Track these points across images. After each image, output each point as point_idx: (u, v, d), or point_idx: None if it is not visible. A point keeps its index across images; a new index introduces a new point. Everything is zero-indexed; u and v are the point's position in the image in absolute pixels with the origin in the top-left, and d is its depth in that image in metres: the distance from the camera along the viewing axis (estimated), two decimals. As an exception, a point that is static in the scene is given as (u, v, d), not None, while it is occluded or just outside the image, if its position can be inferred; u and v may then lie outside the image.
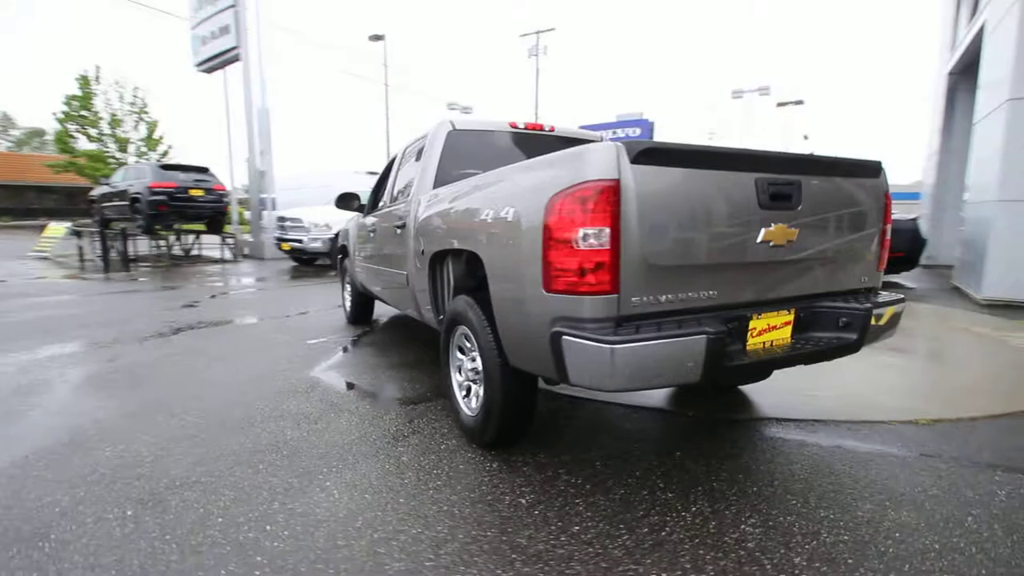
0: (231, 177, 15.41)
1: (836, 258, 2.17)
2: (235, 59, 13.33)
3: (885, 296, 2.30)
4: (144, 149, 23.40)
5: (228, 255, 12.58)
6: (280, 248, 11.28)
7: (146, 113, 23.54)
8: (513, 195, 1.89)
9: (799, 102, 25.57)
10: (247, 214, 15.93)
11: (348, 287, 5.49)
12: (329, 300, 6.87)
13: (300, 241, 10.69)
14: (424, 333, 5.01)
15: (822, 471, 2.17)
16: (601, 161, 1.60)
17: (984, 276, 5.68)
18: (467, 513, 1.89)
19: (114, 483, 2.11)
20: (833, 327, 2.08)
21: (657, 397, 3.10)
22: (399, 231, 3.35)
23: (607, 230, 1.59)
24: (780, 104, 25.82)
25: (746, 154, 1.88)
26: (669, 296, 1.75)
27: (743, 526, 1.78)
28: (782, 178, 1.93)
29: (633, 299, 1.68)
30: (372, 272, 4.22)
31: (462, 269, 2.62)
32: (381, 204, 4.23)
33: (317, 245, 10.62)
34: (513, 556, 1.64)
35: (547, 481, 2.11)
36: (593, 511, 1.89)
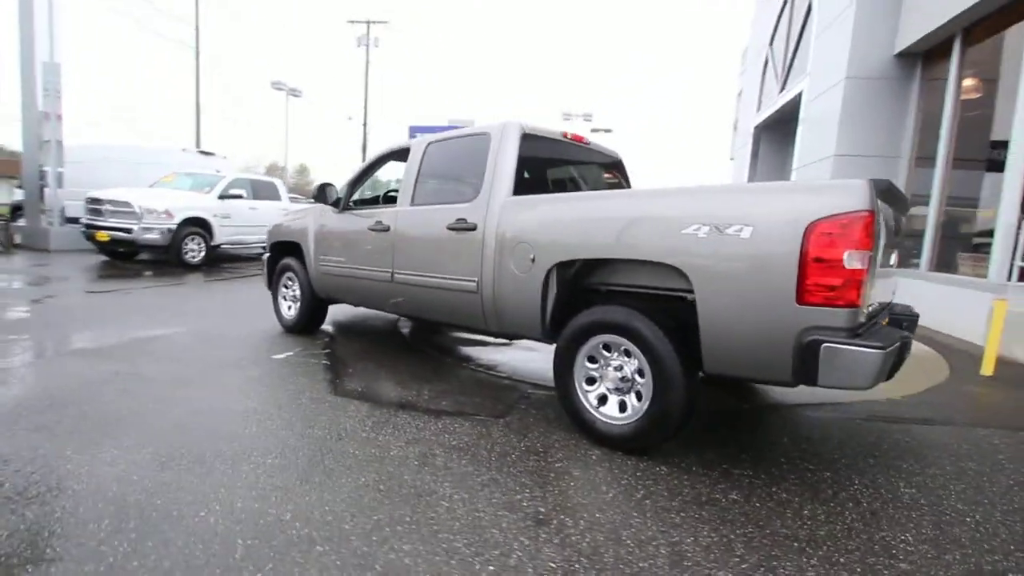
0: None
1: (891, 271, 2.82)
2: (2, -15, 10.02)
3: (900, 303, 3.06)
4: None
5: (-7, 245, 9.36)
6: (93, 239, 8.86)
7: None
8: (747, 215, 2.03)
9: (608, 130, 29.47)
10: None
11: (289, 292, 4.74)
12: (211, 304, 5.77)
13: (128, 231, 8.59)
14: (395, 340, 4.62)
15: (893, 440, 2.78)
16: (863, 194, 1.87)
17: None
18: (707, 515, 1.96)
19: (286, 554, 1.63)
20: (899, 328, 2.70)
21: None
22: (458, 234, 3.13)
23: (868, 253, 1.87)
24: (594, 130, 29.35)
25: (894, 190, 2.35)
26: (868, 307, 2.11)
27: (901, 488, 2.24)
28: (894, 210, 2.46)
29: (863, 309, 1.99)
30: (373, 277, 3.76)
31: (598, 280, 2.65)
32: (394, 201, 3.81)
33: (153, 237, 8.68)
34: (795, 544, 1.79)
35: (725, 477, 2.28)
36: (798, 496, 2.13)
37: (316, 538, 1.71)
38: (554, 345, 2.74)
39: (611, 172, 4.03)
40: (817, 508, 2.05)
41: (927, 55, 6.46)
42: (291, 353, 4.00)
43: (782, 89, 9.80)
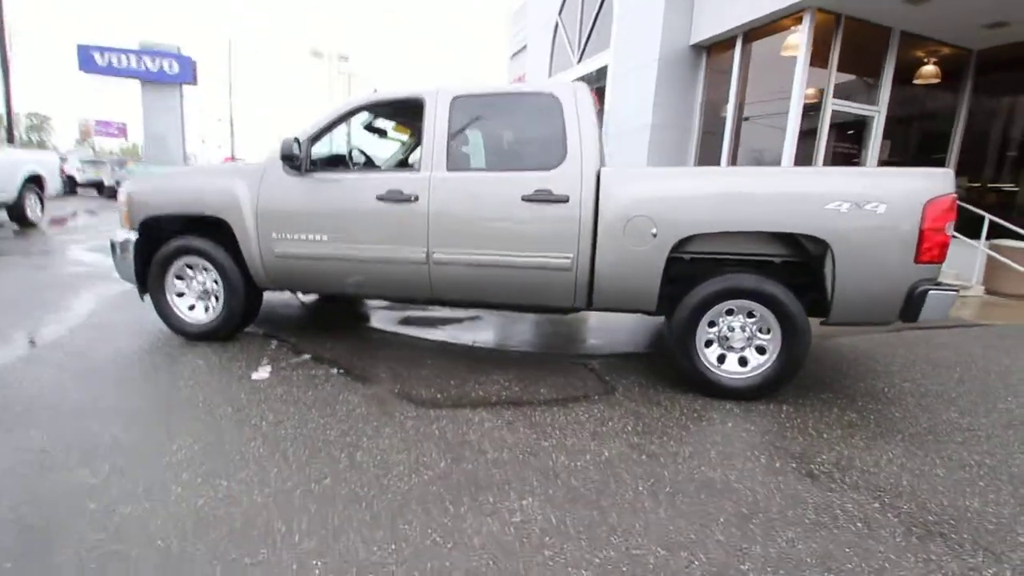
0: None
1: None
2: None
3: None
4: None
5: None
6: None
7: None
8: (882, 194, 2.51)
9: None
10: None
11: (194, 285, 3.43)
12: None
13: None
14: (345, 328, 3.88)
15: (861, 352, 3.83)
16: (951, 180, 2.55)
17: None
18: (852, 429, 2.49)
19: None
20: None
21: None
22: (541, 206, 2.85)
23: (952, 223, 2.59)
24: (341, 72, 27.14)
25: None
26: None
27: (911, 381, 3.21)
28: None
29: (941, 265, 2.73)
30: (391, 259, 3.06)
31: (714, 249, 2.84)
32: (415, 165, 3.12)
33: None
34: (914, 426, 2.49)
35: (821, 403, 2.86)
36: (872, 402, 2.86)
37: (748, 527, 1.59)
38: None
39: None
40: (895, 408, 2.80)
41: (711, 49, 8.21)
42: (268, 371, 2.99)
43: (580, 60, 10.94)
